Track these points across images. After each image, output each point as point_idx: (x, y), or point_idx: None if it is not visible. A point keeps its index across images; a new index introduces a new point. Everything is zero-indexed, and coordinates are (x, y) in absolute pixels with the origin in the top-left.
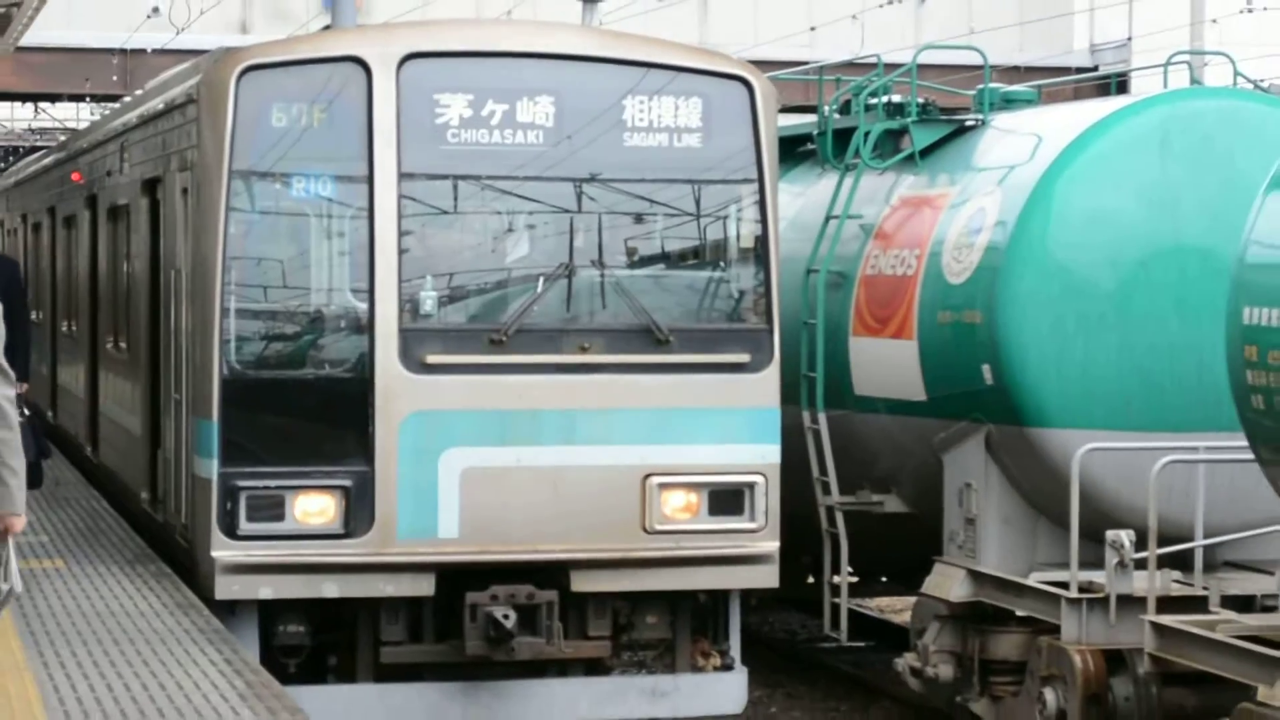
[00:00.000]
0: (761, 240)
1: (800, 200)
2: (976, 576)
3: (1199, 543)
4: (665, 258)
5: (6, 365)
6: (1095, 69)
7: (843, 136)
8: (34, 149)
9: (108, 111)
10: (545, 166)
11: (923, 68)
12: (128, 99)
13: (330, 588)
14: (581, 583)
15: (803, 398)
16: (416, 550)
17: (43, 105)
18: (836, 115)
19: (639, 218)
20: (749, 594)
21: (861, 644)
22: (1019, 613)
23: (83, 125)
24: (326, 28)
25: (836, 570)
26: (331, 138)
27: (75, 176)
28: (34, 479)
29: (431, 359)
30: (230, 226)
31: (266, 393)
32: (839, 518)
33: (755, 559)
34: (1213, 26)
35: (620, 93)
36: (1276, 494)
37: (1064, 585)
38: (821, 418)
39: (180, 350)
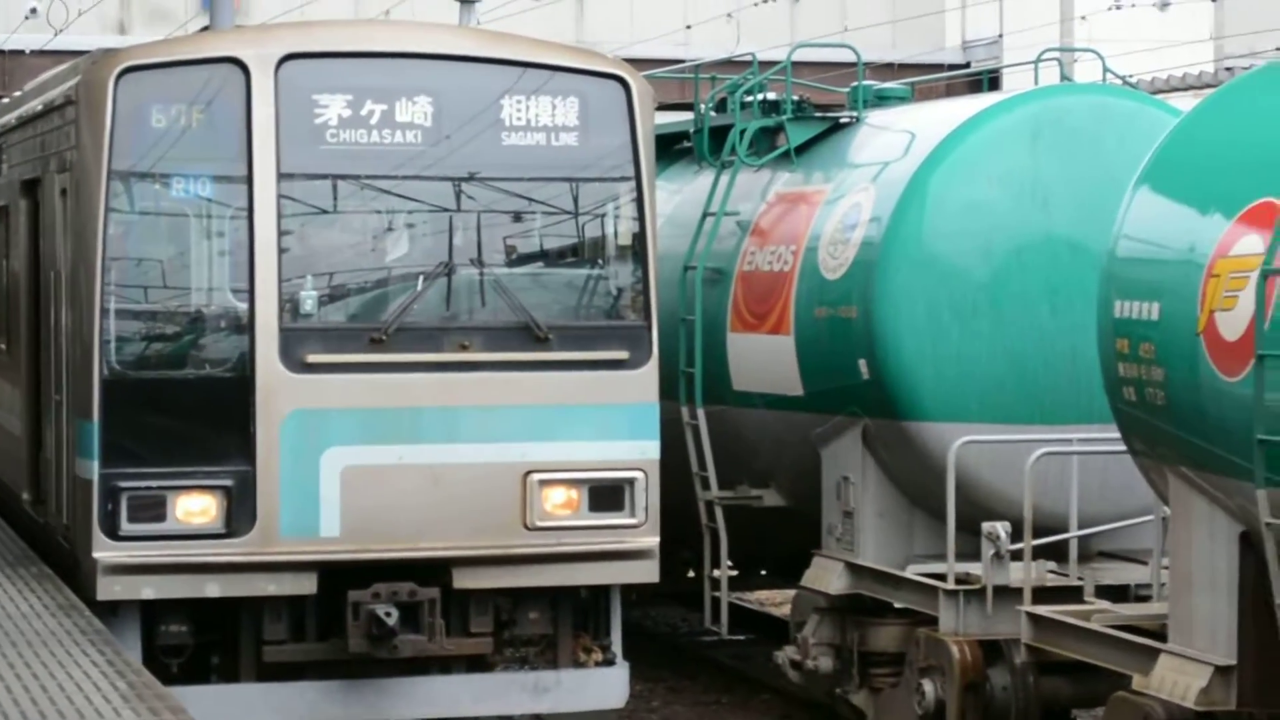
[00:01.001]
0: (639, 237)
1: (677, 197)
2: (855, 569)
3: (1073, 534)
4: (544, 256)
5: None
6: (967, 65)
7: (719, 134)
8: None
9: None
10: (424, 166)
11: (797, 65)
12: (6, 100)
13: (213, 587)
14: (463, 580)
15: (681, 393)
16: (298, 549)
17: None
18: (713, 113)
19: (518, 216)
20: (630, 589)
21: (742, 637)
22: (897, 605)
23: None
24: (205, 29)
25: (716, 564)
26: (210, 138)
27: None
28: None
29: (312, 358)
30: (110, 227)
31: (147, 393)
32: (718, 512)
33: (636, 554)
34: (1082, 23)
35: (498, 92)
36: (1149, 485)
37: (941, 577)
38: (700, 413)
39: (61, 351)
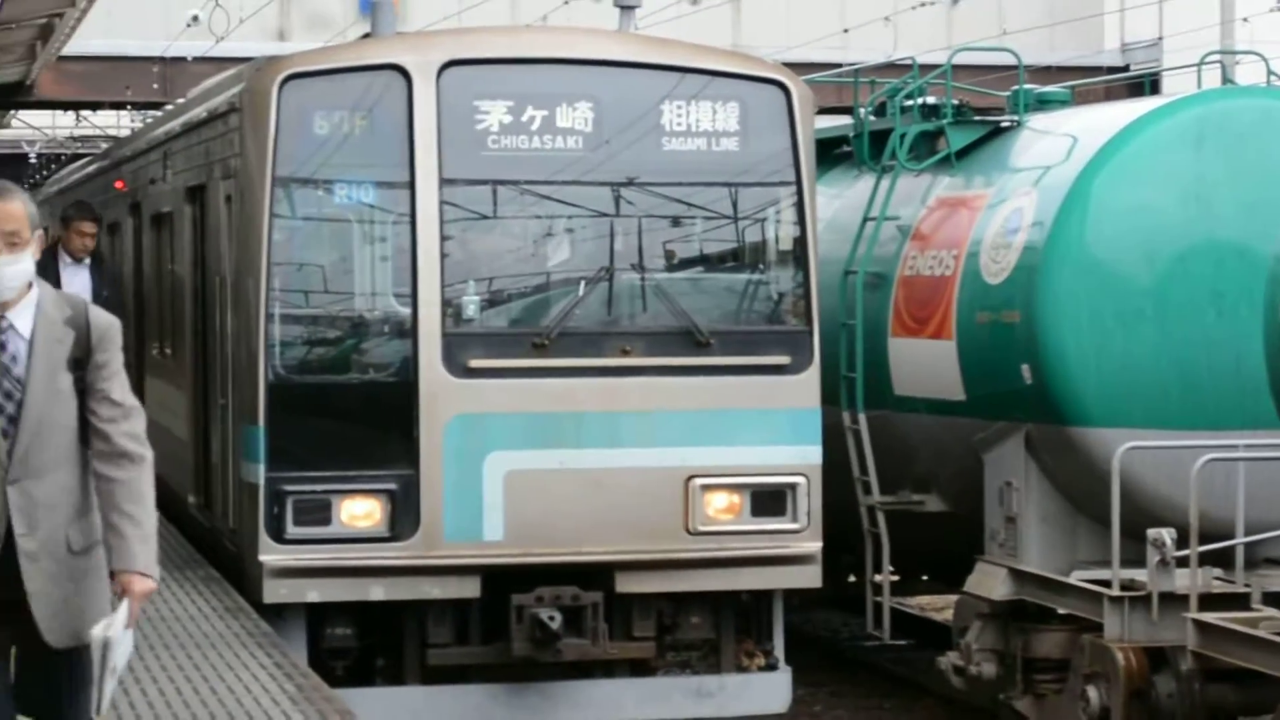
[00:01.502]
0: (800, 242)
1: (837, 202)
2: (1018, 575)
3: (1240, 540)
4: (705, 260)
5: (131, 400)
6: (1126, 68)
7: (879, 138)
8: (75, 156)
9: (149, 119)
10: (584, 171)
11: (957, 69)
12: (170, 107)
13: (377, 590)
14: (626, 584)
15: (843, 398)
16: (462, 553)
17: (83, 113)
18: (872, 117)
19: (678, 221)
20: (792, 593)
21: (904, 642)
22: (1061, 611)
23: (123, 133)
24: (366, 35)
25: (878, 569)
26: (373, 145)
27: (119, 184)
28: None
29: (474, 363)
30: (274, 233)
31: (312, 397)
32: (880, 517)
33: (798, 559)
34: (1243, 25)
35: (658, 97)
36: None
37: (1106, 583)
38: (861, 418)
39: (225, 356)
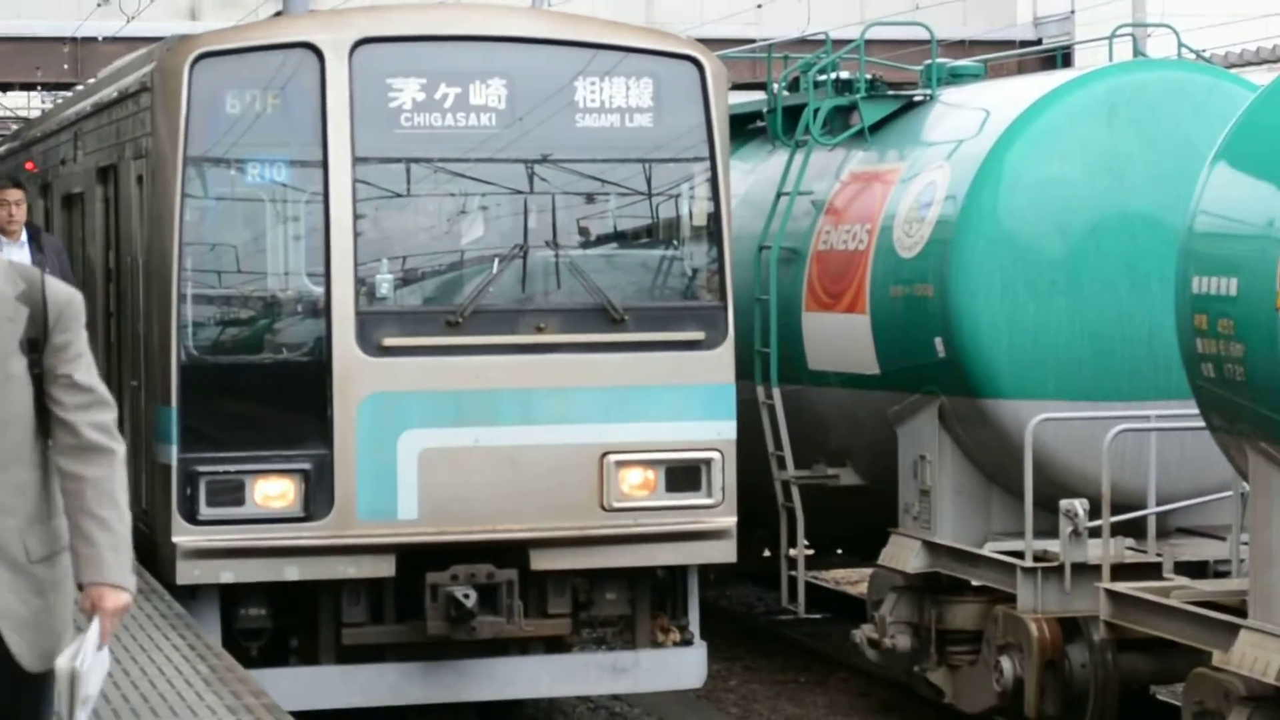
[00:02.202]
0: (714, 218)
1: (751, 177)
2: (932, 547)
3: (1152, 510)
4: (619, 237)
5: (99, 385)
6: (1039, 42)
7: (792, 114)
8: None
9: (59, 100)
10: (498, 148)
11: (870, 44)
12: (80, 87)
13: (291, 571)
14: (541, 561)
15: (757, 373)
16: (376, 532)
17: None
18: (785, 93)
19: (592, 198)
20: (707, 569)
21: (819, 616)
22: (975, 583)
23: (34, 114)
24: (278, 14)
25: (793, 544)
26: (285, 123)
27: (29, 165)
28: None
29: (388, 341)
30: (186, 213)
31: (224, 378)
32: (794, 491)
33: (713, 534)
34: None
35: (572, 74)
36: (1228, 461)
37: (1019, 555)
38: (776, 393)
39: (138, 336)
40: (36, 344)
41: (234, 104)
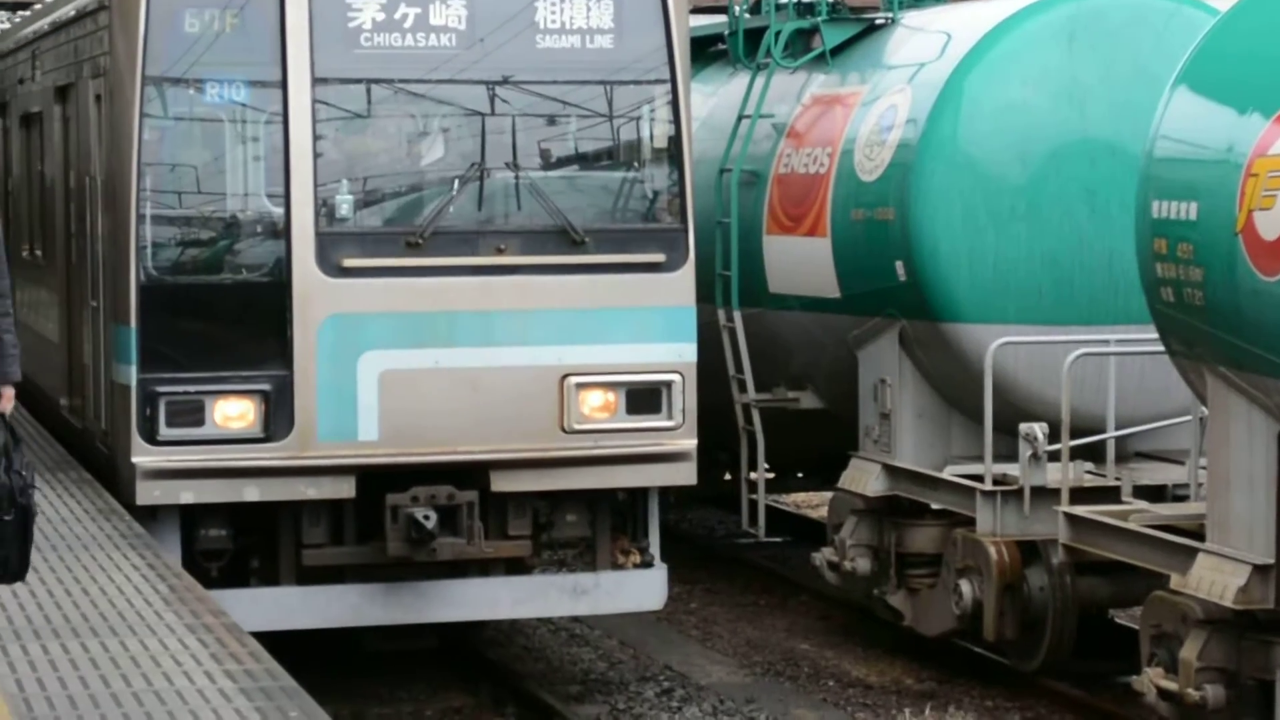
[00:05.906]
0: (675, 140)
1: (712, 100)
2: (892, 471)
3: (1111, 434)
4: (580, 159)
5: None
6: None
7: (754, 36)
8: None
9: (18, 19)
10: (458, 69)
11: None
12: (38, 6)
13: (251, 491)
14: (501, 483)
15: (718, 296)
16: (336, 453)
17: None
18: (747, 15)
19: (553, 120)
20: (667, 491)
21: (779, 539)
22: (934, 506)
23: None
24: None
25: (753, 467)
26: (244, 43)
27: None
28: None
29: (348, 262)
30: (145, 133)
31: (184, 298)
32: (755, 415)
33: (673, 457)
34: None
35: None
36: (1187, 385)
37: (978, 478)
38: (737, 316)
39: (97, 257)
40: None
41: (193, 23)
